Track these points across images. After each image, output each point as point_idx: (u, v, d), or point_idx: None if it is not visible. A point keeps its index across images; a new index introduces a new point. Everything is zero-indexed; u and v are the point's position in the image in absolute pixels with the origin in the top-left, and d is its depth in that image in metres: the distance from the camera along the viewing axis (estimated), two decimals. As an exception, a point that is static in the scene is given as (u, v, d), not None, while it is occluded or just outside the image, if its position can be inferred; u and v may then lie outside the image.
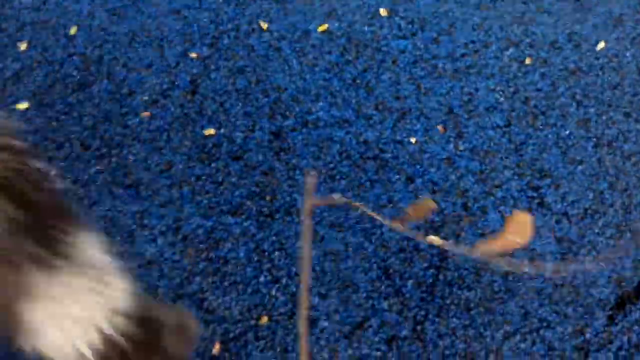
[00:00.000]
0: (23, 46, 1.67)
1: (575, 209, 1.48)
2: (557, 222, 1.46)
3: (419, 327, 1.32)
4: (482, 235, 1.45)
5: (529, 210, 1.47)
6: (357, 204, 1.43)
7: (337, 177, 1.51)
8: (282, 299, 1.37)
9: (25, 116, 1.58)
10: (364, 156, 1.53)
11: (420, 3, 1.81)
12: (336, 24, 1.75)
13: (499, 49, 1.72)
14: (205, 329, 1.32)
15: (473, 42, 1.74)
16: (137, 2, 1.77)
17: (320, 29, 1.73)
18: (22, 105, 1.59)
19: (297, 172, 1.51)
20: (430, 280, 1.38)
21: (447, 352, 1.30)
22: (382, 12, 1.78)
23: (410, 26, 1.76)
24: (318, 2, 1.79)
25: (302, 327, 0.79)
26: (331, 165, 1.52)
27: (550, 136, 1.59)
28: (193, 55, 1.69)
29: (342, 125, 1.59)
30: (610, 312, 1.35)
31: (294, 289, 1.37)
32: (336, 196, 1.41)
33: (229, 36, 1.73)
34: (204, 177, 1.52)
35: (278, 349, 1.29)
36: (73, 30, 1.71)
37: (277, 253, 1.44)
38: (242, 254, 1.40)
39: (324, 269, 1.38)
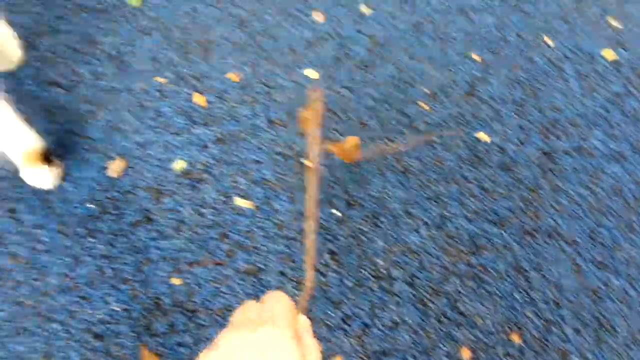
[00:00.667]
0: (319, 17, 1.77)
1: None
2: None
3: None
4: None
5: None
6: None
7: (607, 214, 1.49)
8: (536, 322, 1.42)
9: (315, 84, 1.69)
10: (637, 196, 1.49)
11: None
12: (624, 54, 1.72)
13: None
14: (455, 330, 1.36)
15: None
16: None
17: (606, 55, 1.70)
18: (312, 74, 1.70)
19: (563, 195, 1.50)
20: None
21: None
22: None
23: None
24: (608, 28, 1.76)
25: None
26: (600, 196, 1.50)
27: None
28: (475, 57, 1.74)
29: (618, 159, 1.56)
30: None
31: (549, 316, 1.40)
32: None
33: (512, 45, 1.74)
34: (472, 180, 1.60)
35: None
36: (366, 10, 1.79)
37: (534, 274, 1.48)
38: (501, 267, 1.48)
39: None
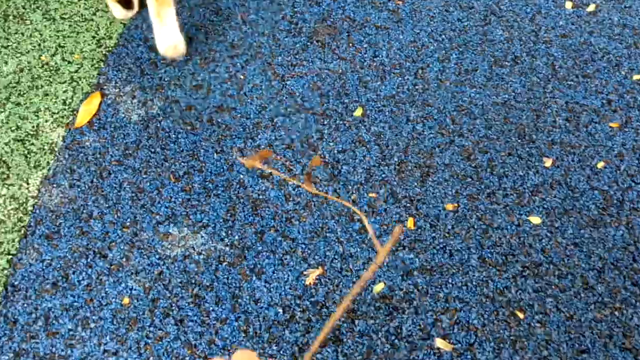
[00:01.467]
0: (548, 162, 1.71)
1: None
2: None
3: None
4: None
5: None
6: None
7: None
8: None
9: (535, 231, 1.60)
10: None
11: None
12: None
13: None
14: None
15: None
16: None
17: None
18: (535, 220, 1.61)
19: None
20: None
21: None
22: None
23: None
24: None
25: None
26: None
27: None
28: None
29: None
30: None
31: None
32: None
33: None
34: None
35: None
36: (600, 164, 1.70)
37: None
38: None
39: None
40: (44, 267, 1.60)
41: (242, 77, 1.96)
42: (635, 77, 1.91)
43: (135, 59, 2.01)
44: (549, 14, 2.07)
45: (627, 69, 1.92)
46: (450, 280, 1.57)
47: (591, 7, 2.07)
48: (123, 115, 1.88)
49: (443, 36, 2.04)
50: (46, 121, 1.87)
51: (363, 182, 1.73)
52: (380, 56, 2.00)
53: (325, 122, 1.86)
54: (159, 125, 1.86)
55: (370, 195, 1.71)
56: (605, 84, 1.89)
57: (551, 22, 2.05)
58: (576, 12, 2.07)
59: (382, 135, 1.82)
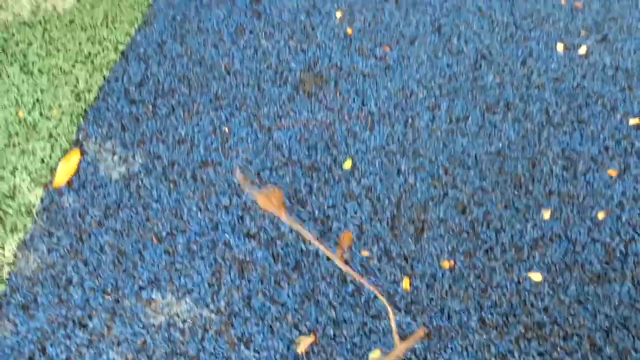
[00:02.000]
0: (547, 214, 1.63)
1: None
2: None
3: None
4: None
5: None
6: None
7: None
8: None
9: (536, 289, 1.51)
10: None
11: None
12: None
13: None
14: None
15: None
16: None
17: None
18: (536, 277, 1.52)
19: None
20: None
21: None
22: None
23: None
24: None
25: None
26: None
27: None
28: None
29: None
30: None
31: None
32: None
33: None
34: None
35: None
36: (601, 215, 1.62)
37: None
38: None
39: None
40: (20, 340, 1.50)
41: (226, 130, 1.88)
42: (632, 121, 1.84)
43: (116, 113, 1.93)
44: (540, 58, 2.01)
45: (622, 113, 1.86)
46: (449, 345, 1.47)
47: (582, 50, 2.01)
48: (103, 173, 1.79)
49: (432, 83, 1.97)
50: (23, 181, 1.78)
51: (355, 239, 1.63)
52: (369, 105, 1.93)
53: (314, 176, 1.78)
54: (140, 183, 1.77)
55: (363, 253, 1.62)
56: (602, 129, 1.83)
57: (543, 66, 1.99)
58: (568, 55, 2.01)
59: (373, 189, 1.74)
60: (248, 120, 1.92)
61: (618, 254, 1.61)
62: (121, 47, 2.11)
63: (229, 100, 1.97)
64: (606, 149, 1.80)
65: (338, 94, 1.97)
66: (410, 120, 1.89)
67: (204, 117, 1.93)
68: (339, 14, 2.20)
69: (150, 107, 1.96)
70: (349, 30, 2.14)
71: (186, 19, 2.21)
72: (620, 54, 2.02)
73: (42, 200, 1.75)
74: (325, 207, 1.71)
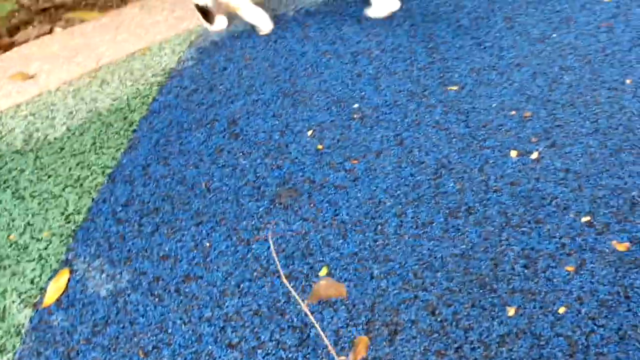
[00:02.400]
0: (511, 311, 1.75)
1: None
2: None
3: None
4: None
5: None
6: None
7: None
8: None
9: None
10: None
11: None
12: None
13: None
14: None
15: None
16: (629, 299, 1.76)
17: None
18: None
19: None
20: None
21: None
22: None
23: None
24: None
25: None
26: None
27: None
28: None
29: None
30: None
31: None
32: None
33: None
34: None
35: None
36: (562, 310, 1.75)
37: None
38: None
39: None
40: None
41: (207, 244, 2.02)
42: (584, 219, 2.01)
43: (104, 232, 2.07)
44: (496, 164, 2.21)
45: (575, 212, 2.04)
46: None
47: (534, 155, 2.22)
48: (92, 290, 1.90)
49: (398, 191, 2.15)
50: (13, 302, 1.88)
51: (332, 345, 1.74)
52: (341, 214, 2.09)
53: (292, 285, 1.90)
54: (127, 299, 1.88)
55: (340, 359, 1.71)
56: (557, 228, 1.99)
57: (499, 172, 2.18)
58: (521, 160, 2.22)
59: (348, 295, 1.86)
60: (228, 234, 2.07)
61: (580, 346, 1.73)
62: (108, 171, 2.29)
63: (209, 216, 2.12)
64: (562, 246, 1.96)
65: (312, 205, 2.14)
66: (379, 227, 2.06)
67: (186, 233, 2.08)
68: (310, 133, 2.42)
69: (136, 225, 2.11)
70: (320, 147, 2.35)
71: (169, 142, 2.41)
72: (569, 157, 2.23)
73: (31, 320, 1.85)
74: (303, 315, 1.83)
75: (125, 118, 2.48)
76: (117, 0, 3.23)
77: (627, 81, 2.56)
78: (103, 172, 2.30)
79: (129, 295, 1.91)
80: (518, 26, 2.92)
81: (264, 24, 2.79)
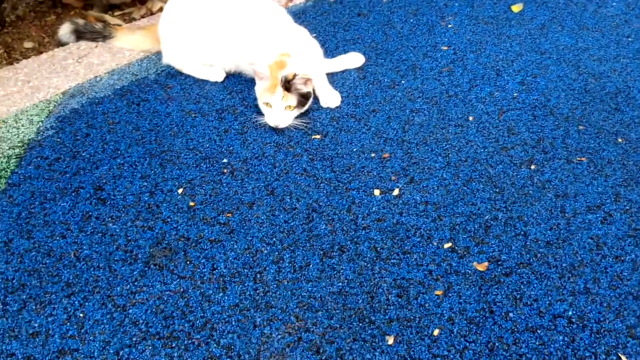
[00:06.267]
0: (391, 340, 1.86)
1: None
2: None
3: None
4: None
5: None
6: None
7: None
8: None
9: None
10: None
11: None
12: None
13: None
14: None
15: None
16: (493, 314, 1.92)
17: None
18: None
19: None
20: None
21: None
22: None
23: None
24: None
25: None
26: None
27: None
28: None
29: None
30: None
31: None
32: None
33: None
34: None
35: None
36: (436, 332, 1.88)
37: None
38: None
39: None
40: None
41: (81, 315, 1.94)
42: (446, 245, 2.16)
43: (-38, 318, 1.92)
44: (362, 203, 2.33)
45: (437, 240, 2.18)
46: None
47: (396, 192, 2.37)
48: (-49, 383, 1.75)
49: (274, 239, 2.20)
50: None
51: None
52: (219, 268, 2.10)
53: (174, 345, 1.87)
54: (-6, 386, 1.75)
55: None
56: (423, 256, 2.12)
57: (365, 210, 2.30)
58: (384, 197, 2.35)
59: (232, 347, 1.86)
60: (102, 301, 2.00)
61: (457, 364, 1.83)
62: (-35, 251, 2.14)
63: (81, 286, 2.05)
64: (430, 272, 2.09)
65: (189, 263, 2.13)
66: (258, 275, 2.08)
67: (57, 306, 1.99)
68: (180, 190, 2.42)
69: (0, 305, 1.98)
70: (192, 204, 2.36)
71: (31, 215, 2.31)
72: (426, 191, 2.40)
73: None
74: (187, 374, 1.80)
75: (-20, 194, 2.35)
76: (-35, 74, 3.08)
77: (470, 118, 2.83)
78: (-42, 253, 2.15)
79: (-4, 380, 1.78)
80: (370, 76, 3.13)
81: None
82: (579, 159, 2.55)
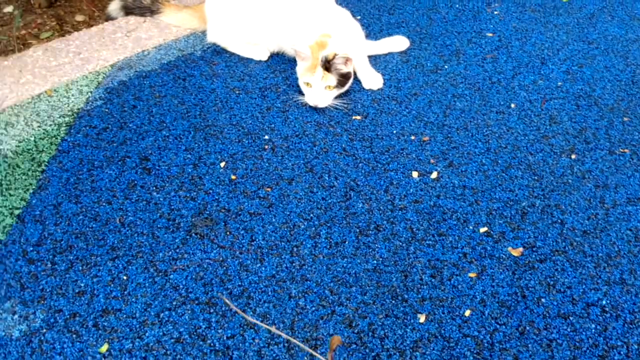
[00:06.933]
0: (422, 318, 1.90)
1: None
2: None
3: None
4: None
5: None
6: None
7: None
8: None
9: None
10: None
11: None
12: None
13: None
14: None
15: None
16: (526, 299, 1.94)
17: None
18: None
19: None
20: None
21: None
22: None
23: None
24: None
25: None
26: None
27: None
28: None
29: None
30: None
31: None
32: None
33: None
34: None
35: None
36: (467, 312, 1.91)
37: None
38: None
39: None
40: None
41: (125, 277, 2.03)
42: (482, 229, 2.19)
43: (14, 273, 2.04)
44: (400, 184, 2.36)
45: (473, 224, 2.21)
46: None
47: (434, 175, 2.40)
48: (3, 333, 1.86)
49: (311, 215, 2.25)
50: None
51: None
52: (257, 240, 2.17)
53: (212, 311, 1.94)
54: (42, 338, 1.86)
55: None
56: (458, 239, 2.15)
57: (403, 191, 2.34)
58: (422, 179, 2.39)
59: (268, 315, 1.93)
60: (145, 266, 2.09)
61: (486, 344, 1.88)
62: (17, 212, 2.25)
63: (125, 250, 2.14)
64: (464, 255, 2.12)
65: (228, 233, 2.21)
66: (295, 249, 2.14)
67: (102, 268, 2.08)
68: (222, 164, 2.49)
69: (49, 264, 2.09)
70: (233, 177, 2.43)
71: (79, 181, 2.41)
72: (464, 175, 2.42)
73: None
74: (225, 338, 1.88)
75: (33, 159, 2.46)
76: (19, 45, 3.20)
77: (512, 105, 2.83)
78: (11, 214, 2.26)
79: (44, 334, 1.89)
80: (413, 60, 3.15)
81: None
82: (621, 150, 2.54)
